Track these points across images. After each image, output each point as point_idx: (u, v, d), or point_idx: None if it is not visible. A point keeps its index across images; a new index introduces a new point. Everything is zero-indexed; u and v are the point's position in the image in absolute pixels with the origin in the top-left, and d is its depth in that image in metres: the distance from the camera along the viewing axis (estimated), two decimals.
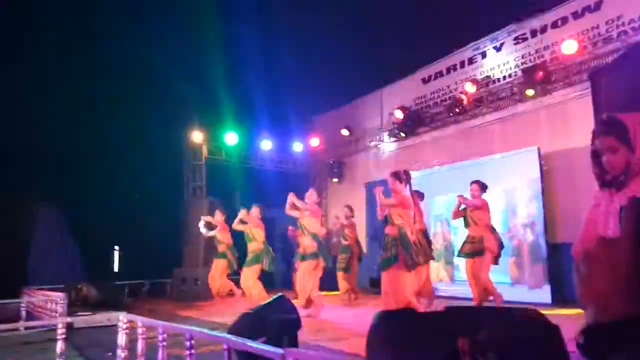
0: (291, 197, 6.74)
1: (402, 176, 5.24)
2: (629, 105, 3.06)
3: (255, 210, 7.79)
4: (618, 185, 1.65)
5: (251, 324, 2.45)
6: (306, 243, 6.54)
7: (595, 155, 1.74)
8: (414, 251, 4.93)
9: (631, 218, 0.70)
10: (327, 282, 8.75)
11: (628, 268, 0.65)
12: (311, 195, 6.70)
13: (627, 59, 3.31)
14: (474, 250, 6.26)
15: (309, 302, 6.38)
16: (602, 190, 1.78)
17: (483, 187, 6.51)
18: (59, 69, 12.69)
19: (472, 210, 6.42)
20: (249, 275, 7.39)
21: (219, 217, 8.58)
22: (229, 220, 8.44)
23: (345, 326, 5.66)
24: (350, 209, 8.69)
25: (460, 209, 6.62)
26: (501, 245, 6.39)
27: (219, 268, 8.31)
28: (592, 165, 1.78)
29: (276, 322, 2.41)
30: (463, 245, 6.52)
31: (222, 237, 8.43)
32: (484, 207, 6.39)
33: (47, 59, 12.90)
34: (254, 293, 7.25)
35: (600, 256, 0.68)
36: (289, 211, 6.82)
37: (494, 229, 6.46)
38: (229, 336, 2.37)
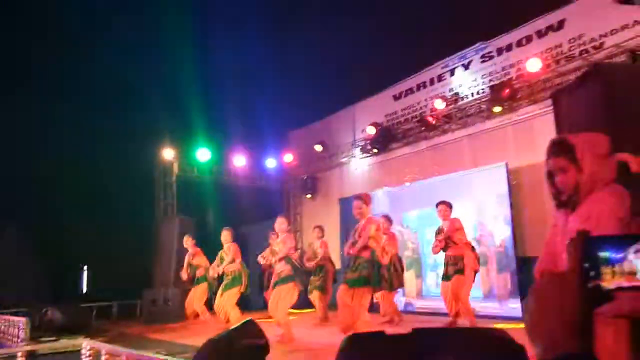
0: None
1: (366, 199, 5.32)
2: (589, 124, 3.15)
3: (227, 234, 7.49)
4: (572, 205, 1.68)
5: (217, 350, 2.38)
6: (279, 268, 6.29)
7: (550, 175, 1.77)
8: (385, 274, 5.01)
9: (577, 254, 0.70)
10: (300, 300, 8.63)
11: (574, 306, 0.65)
12: (282, 223, 6.47)
13: (586, 79, 3.43)
14: (456, 269, 6.21)
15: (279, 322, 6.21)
16: (558, 211, 1.82)
17: (450, 206, 6.50)
18: (25, 90, 12.41)
19: (448, 232, 6.36)
20: (228, 299, 7.10)
21: (189, 242, 8.36)
22: (199, 244, 8.34)
23: (318, 346, 5.61)
24: (321, 229, 8.65)
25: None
26: (479, 262, 6.45)
27: (198, 292, 8.03)
28: (548, 186, 1.80)
29: (243, 348, 2.35)
30: (446, 268, 6.40)
31: (199, 261, 8.18)
32: (460, 227, 6.38)
33: (15, 81, 12.61)
34: (232, 317, 6.93)
35: (549, 293, 0.69)
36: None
37: (474, 247, 6.49)
38: None
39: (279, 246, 6.43)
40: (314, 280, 8.17)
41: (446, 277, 6.37)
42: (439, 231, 6.51)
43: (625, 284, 0.68)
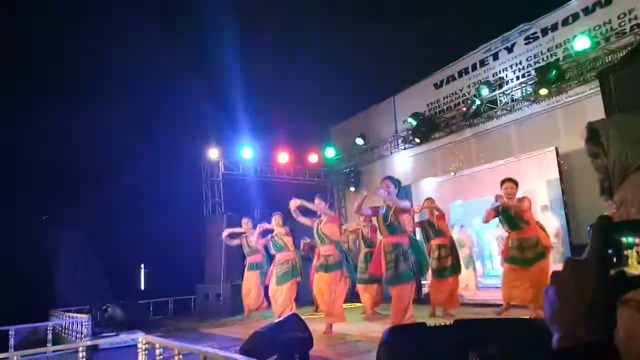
0: (297, 202, 6.10)
1: (396, 182, 5.15)
2: (637, 103, 2.99)
3: (277, 219, 7.32)
4: (611, 192, 1.61)
5: (262, 343, 2.45)
6: (328, 251, 6.00)
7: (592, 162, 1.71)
8: (449, 259, 4.81)
9: (598, 239, 0.68)
10: (350, 294, 8.58)
11: (592, 292, 0.64)
12: (319, 203, 6.20)
13: (633, 56, 3.24)
14: (538, 253, 5.64)
15: (334, 316, 5.98)
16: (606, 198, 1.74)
17: (517, 184, 5.91)
18: (79, 95, 13.04)
19: (519, 211, 5.76)
20: (287, 293, 6.85)
21: (248, 224, 8.04)
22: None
23: (364, 338, 5.58)
24: None
25: (492, 209, 5.89)
26: None
27: (254, 281, 7.72)
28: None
29: (287, 341, 2.41)
30: (521, 251, 5.73)
31: (256, 246, 7.93)
32: (530, 206, 5.84)
33: (66, 87, 13.27)
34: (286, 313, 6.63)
35: (569, 279, 0.68)
36: (298, 218, 6.38)
37: (543, 227, 5.98)
38: (240, 357, 2.39)
39: (326, 227, 6.09)
40: (362, 270, 7.70)
41: (531, 259, 5.62)
42: (495, 206, 5.91)
43: None
